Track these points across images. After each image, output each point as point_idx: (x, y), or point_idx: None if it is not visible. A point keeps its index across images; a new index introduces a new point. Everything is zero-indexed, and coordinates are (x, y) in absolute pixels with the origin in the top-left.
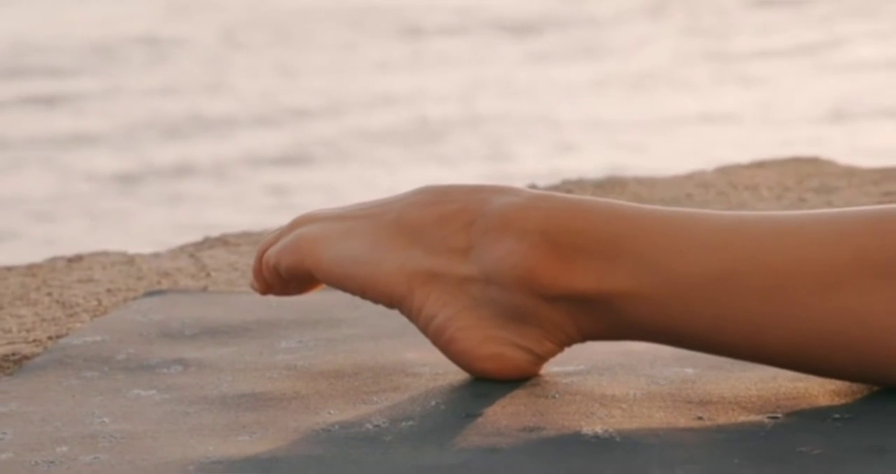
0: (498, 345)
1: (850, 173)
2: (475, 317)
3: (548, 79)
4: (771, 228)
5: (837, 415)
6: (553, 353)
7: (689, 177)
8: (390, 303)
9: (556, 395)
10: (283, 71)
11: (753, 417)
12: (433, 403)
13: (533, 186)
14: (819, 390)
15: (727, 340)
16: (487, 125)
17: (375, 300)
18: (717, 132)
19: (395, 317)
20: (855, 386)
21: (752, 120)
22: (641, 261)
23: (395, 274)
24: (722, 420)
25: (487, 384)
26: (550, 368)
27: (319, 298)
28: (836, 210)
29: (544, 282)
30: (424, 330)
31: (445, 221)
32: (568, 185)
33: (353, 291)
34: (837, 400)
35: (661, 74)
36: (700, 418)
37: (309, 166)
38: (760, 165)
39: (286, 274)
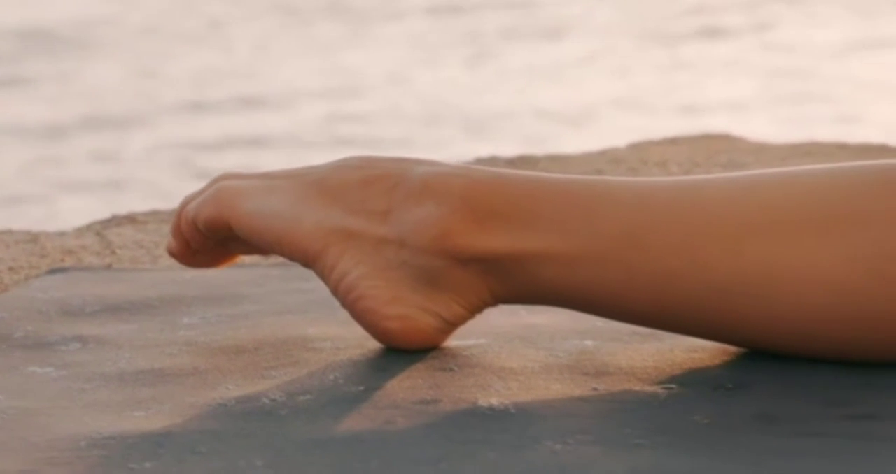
0: (405, 306)
1: (760, 149)
2: (386, 278)
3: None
4: (685, 188)
5: (731, 385)
6: (462, 319)
7: (602, 153)
8: (305, 260)
9: (455, 368)
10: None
11: (648, 388)
12: (331, 377)
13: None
14: (714, 361)
15: (637, 298)
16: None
17: (291, 255)
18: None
19: (299, 293)
20: (749, 357)
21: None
22: (556, 221)
23: (313, 230)
24: (617, 391)
25: (387, 358)
26: (450, 341)
27: (224, 274)
28: (750, 171)
29: (459, 244)
30: (335, 288)
31: (367, 184)
32: (481, 163)
33: (270, 245)
34: (731, 371)
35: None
36: (596, 389)
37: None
38: (672, 142)
39: (204, 227)
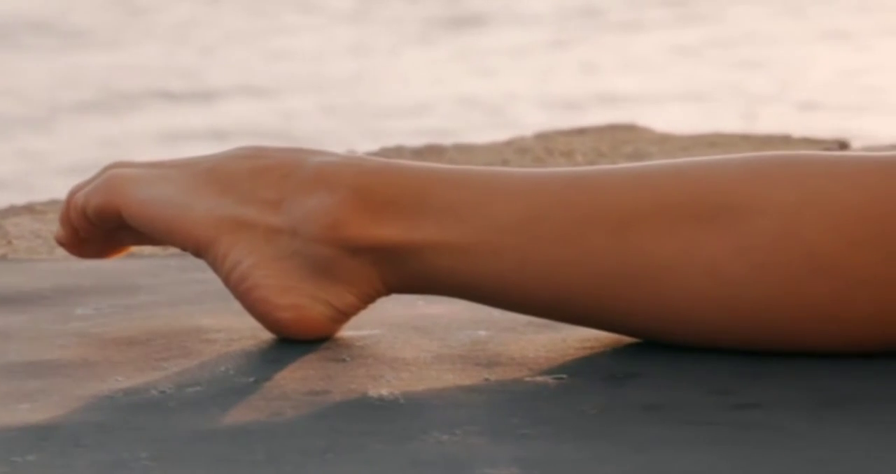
0: (298, 296)
1: (664, 140)
2: (278, 268)
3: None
4: (577, 177)
5: (621, 375)
6: (355, 308)
7: (509, 143)
8: (196, 249)
9: (347, 359)
10: None
11: (539, 378)
12: (222, 369)
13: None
14: (606, 351)
15: (530, 288)
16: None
17: (182, 244)
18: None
19: (195, 284)
20: (641, 347)
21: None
22: (449, 210)
23: (204, 218)
24: (508, 381)
25: (280, 349)
26: (345, 332)
27: (121, 265)
28: (647, 162)
29: (351, 233)
30: (227, 277)
31: (259, 174)
32: (387, 152)
33: (161, 234)
34: (622, 360)
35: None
36: (487, 379)
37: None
38: (580, 132)
39: (94, 215)
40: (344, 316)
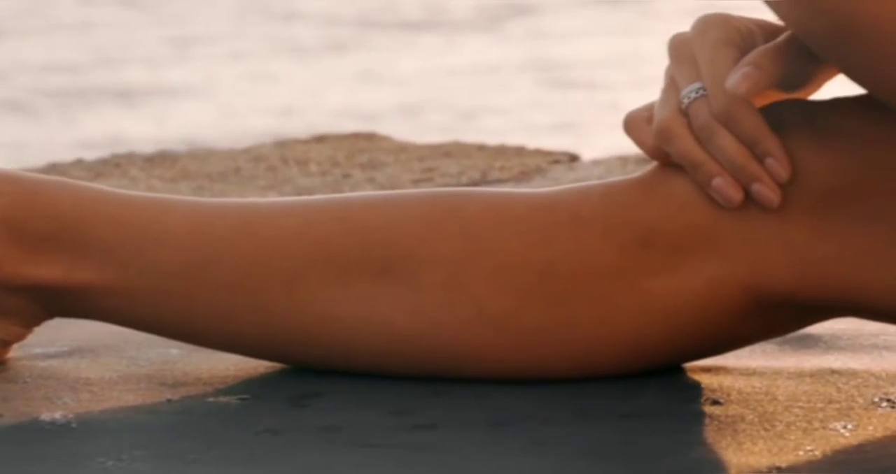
0: None
1: (400, 149)
2: None
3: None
4: (245, 219)
5: (304, 395)
6: (22, 336)
7: (246, 150)
8: None
9: (28, 380)
10: None
11: (223, 398)
12: None
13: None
14: (295, 371)
15: (199, 332)
16: None
17: None
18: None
19: None
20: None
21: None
22: (109, 252)
23: None
24: (191, 402)
25: None
26: (32, 350)
27: None
28: (311, 198)
29: (4, 272)
30: None
31: None
32: (117, 159)
33: None
34: (308, 381)
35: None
36: (170, 400)
37: None
38: (319, 140)
39: None
40: (9, 344)
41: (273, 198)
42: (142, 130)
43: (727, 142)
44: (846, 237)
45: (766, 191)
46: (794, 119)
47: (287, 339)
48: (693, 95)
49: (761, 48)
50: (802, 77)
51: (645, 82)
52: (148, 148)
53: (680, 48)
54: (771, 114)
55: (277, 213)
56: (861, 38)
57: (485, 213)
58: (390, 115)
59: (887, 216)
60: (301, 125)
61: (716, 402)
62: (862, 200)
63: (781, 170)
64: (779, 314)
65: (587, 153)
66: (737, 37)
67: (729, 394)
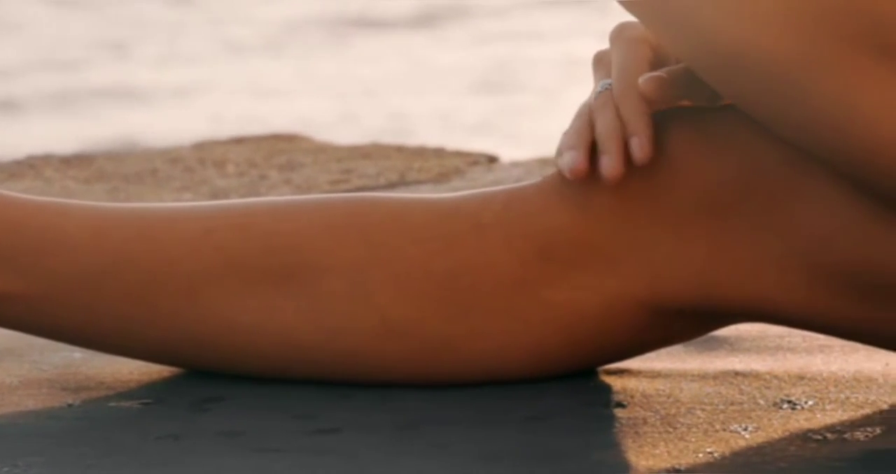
0: None
1: (320, 150)
2: None
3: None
4: (145, 226)
5: (207, 399)
6: None
7: (164, 152)
8: None
9: None
10: None
11: (125, 403)
12: None
13: None
14: (195, 375)
15: (101, 339)
16: None
17: None
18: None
19: None
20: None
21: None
22: (7, 259)
23: None
24: (92, 406)
25: None
26: None
27: None
28: (214, 203)
29: None
30: None
31: None
32: (32, 160)
33: None
34: (214, 385)
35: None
36: (71, 405)
37: None
38: (238, 141)
39: None
40: None
41: (175, 203)
42: (66, 132)
43: (607, 117)
44: (741, 248)
45: (610, 163)
46: (683, 126)
47: (189, 346)
48: (601, 89)
49: (682, 64)
50: (716, 98)
51: (580, 83)
52: (69, 149)
53: (601, 57)
54: (662, 116)
55: (179, 218)
56: (749, 72)
57: (387, 221)
58: (319, 117)
59: (776, 225)
60: (230, 127)
61: (619, 405)
62: (751, 211)
63: (640, 150)
64: (681, 322)
65: (508, 155)
66: (651, 38)
67: (633, 397)
